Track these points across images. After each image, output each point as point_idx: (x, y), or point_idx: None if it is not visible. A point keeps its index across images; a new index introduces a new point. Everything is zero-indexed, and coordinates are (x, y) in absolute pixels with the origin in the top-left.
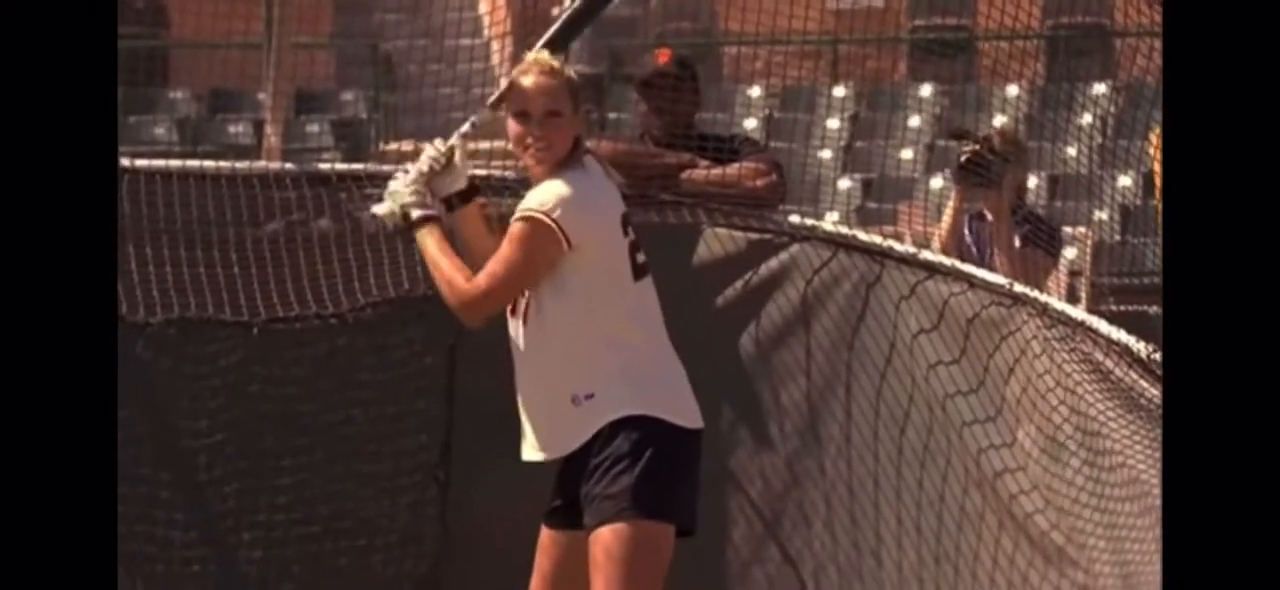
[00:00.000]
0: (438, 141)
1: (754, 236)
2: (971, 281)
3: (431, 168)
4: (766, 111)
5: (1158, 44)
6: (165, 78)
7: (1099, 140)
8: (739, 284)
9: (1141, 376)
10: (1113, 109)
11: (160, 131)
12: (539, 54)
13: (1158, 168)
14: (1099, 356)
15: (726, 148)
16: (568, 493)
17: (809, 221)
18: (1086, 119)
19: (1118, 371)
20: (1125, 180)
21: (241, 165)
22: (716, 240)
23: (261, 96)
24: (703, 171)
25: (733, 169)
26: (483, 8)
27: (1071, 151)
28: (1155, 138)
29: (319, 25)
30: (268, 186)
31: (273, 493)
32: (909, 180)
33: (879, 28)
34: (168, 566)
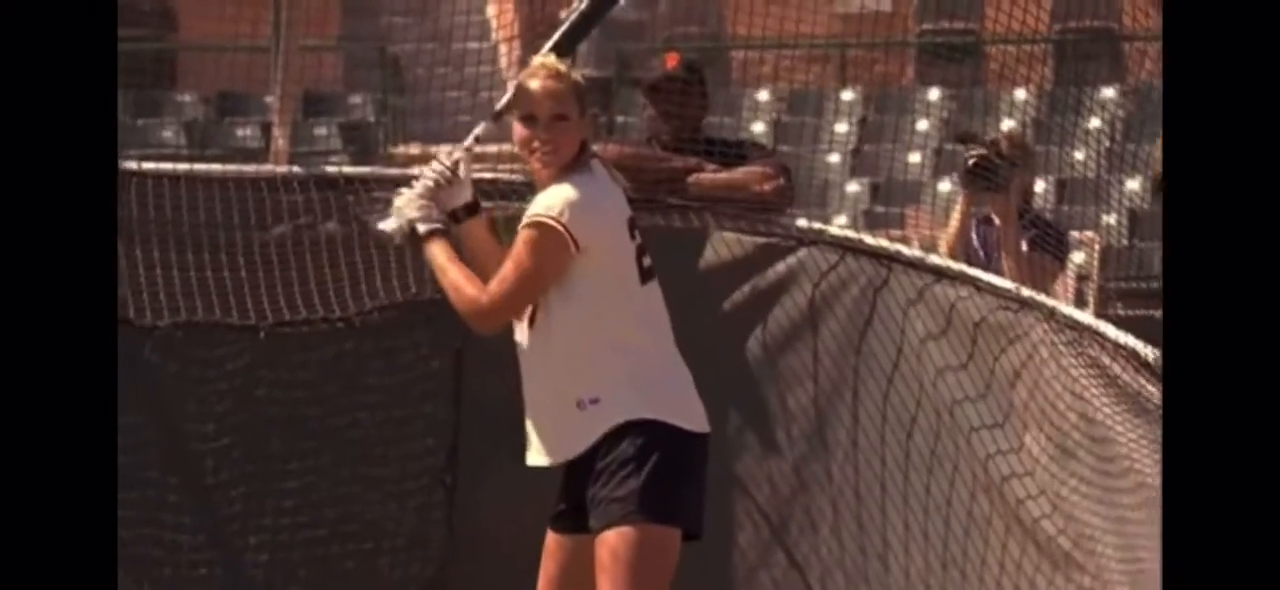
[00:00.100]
0: (442, 156)
1: (761, 240)
2: (979, 285)
3: (436, 182)
4: (774, 115)
5: None
6: (173, 81)
7: (1107, 144)
8: (746, 288)
9: (1149, 381)
10: (1120, 113)
11: (168, 134)
12: (546, 57)
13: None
14: (1106, 361)
15: (734, 152)
16: (573, 497)
17: (816, 225)
18: (1094, 123)
19: (1125, 375)
20: (1133, 184)
21: (248, 168)
22: (724, 244)
23: (269, 99)
24: (710, 175)
25: (740, 173)
26: (491, 11)
27: (1079, 155)
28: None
29: (327, 28)
30: (275, 190)
31: (279, 496)
32: (917, 184)
33: (887, 32)
34: (175, 569)
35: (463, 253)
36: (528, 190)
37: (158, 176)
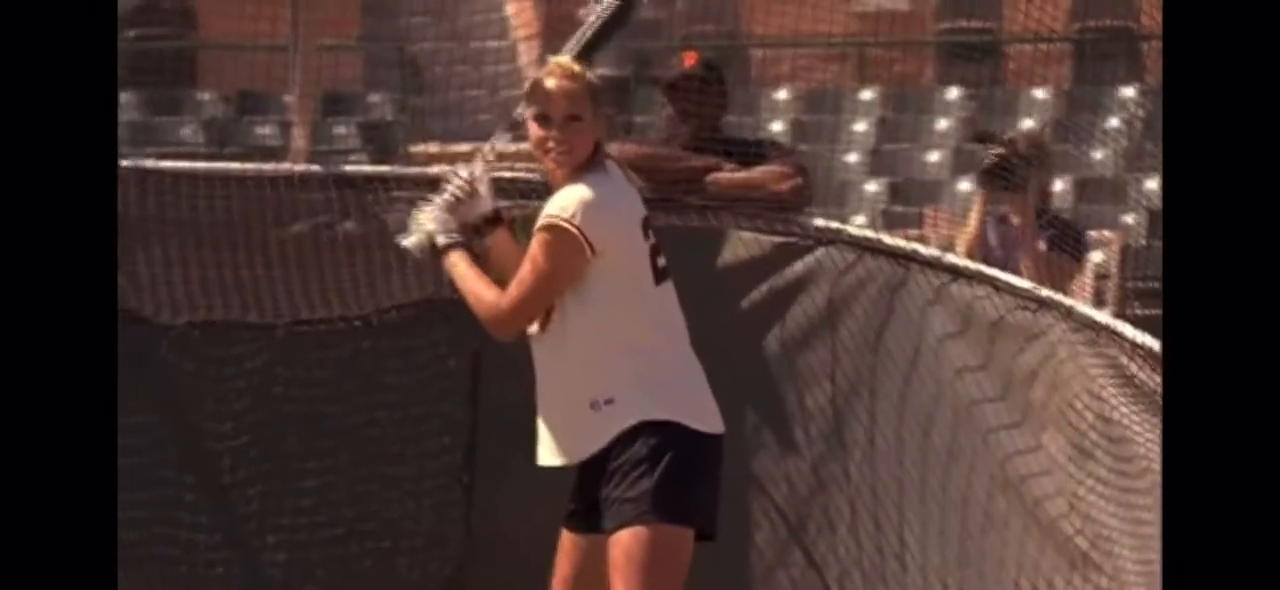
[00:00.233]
0: (461, 171)
1: (779, 240)
2: (997, 285)
3: (455, 196)
4: (793, 114)
5: None
6: (193, 79)
7: (1126, 143)
8: (764, 287)
9: None
10: (1140, 112)
11: (187, 133)
12: (560, 57)
13: None
14: (1124, 361)
15: (752, 151)
16: (587, 496)
17: (834, 225)
18: (1113, 122)
19: (1142, 375)
20: (1152, 183)
21: (267, 167)
22: (742, 243)
23: (288, 98)
24: (728, 175)
25: (758, 172)
26: (509, 9)
27: (1098, 155)
28: None
29: (346, 28)
30: (293, 188)
31: (297, 495)
32: (936, 184)
33: (906, 31)
34: (191, 568)
35: (484, 264)
36: (545, 190)
37: (176, 175)
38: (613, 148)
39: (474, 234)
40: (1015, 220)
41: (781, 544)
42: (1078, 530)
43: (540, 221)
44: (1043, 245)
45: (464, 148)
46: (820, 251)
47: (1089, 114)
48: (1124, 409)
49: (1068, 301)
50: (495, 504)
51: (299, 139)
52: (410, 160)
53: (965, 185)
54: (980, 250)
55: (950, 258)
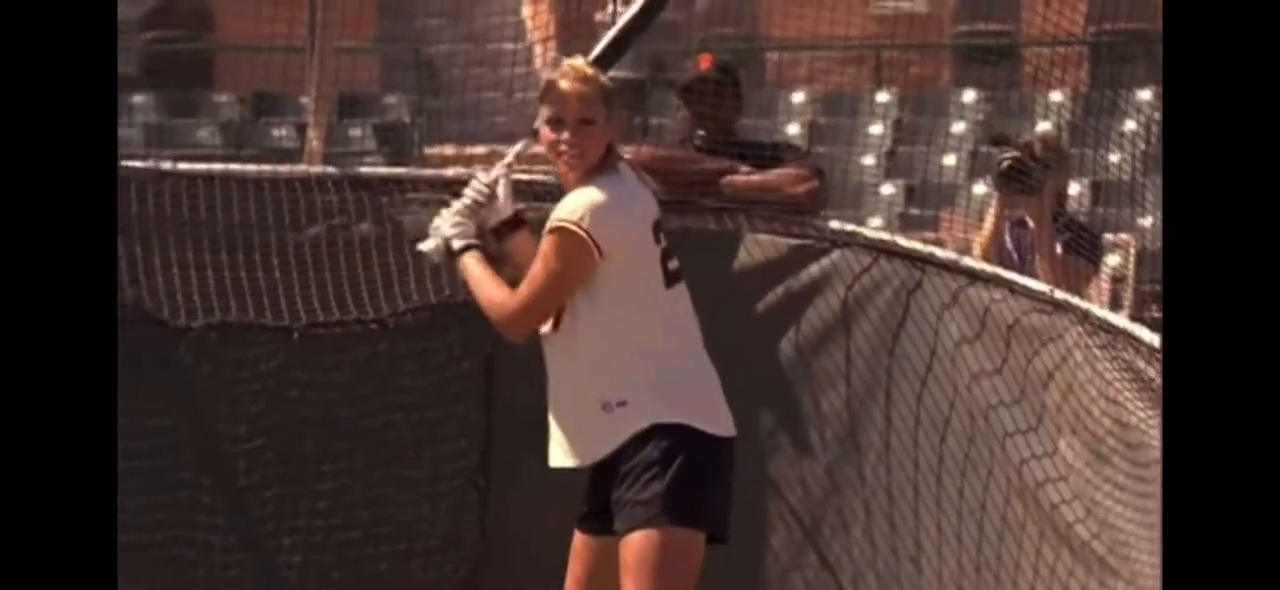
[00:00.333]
0: (481, 175)
1: (795, 242)
2: (1013, 288)
3: (475, 201)
4: (810, 117)
5: None
6: (210, 81)
7: (1143, 147)
8: (780, 290)
9: None
10: (1156, 115)
11: (204, 134)
12: (574, 59)
13: None
14: (1141, 364)
15: (767, 153)
16: (599, 498)
17: (850, 227)
18: (1130, 125)
19: (1160, 379)
20: None
21: (283, 169)
22: (757, 246)
23: (304, 100)
24: (743, 177)
25: (774, 175)
26: (525, 12)
27: (1115, 158)
28: None
29: (363, 30)
30: (309, 190)
31: (313, 497)
32: (952, 186)
33: (923, 33)
34: (207, 571)
35: (502, 268)
36: (561, 193)
37: (192, 176)
38: (628, 150)
39: (493, 238)
40: (1031, 223)
41: (796, 546)
42: (1094, 535)
43: (549, 224)
44: (1059, 248)
45: (480, 150)
46: (836, 254)
47: (1105, 117)
48: (1141, 413)
49: (1084, 305)
50: (510, 505)
51: (314, 140)
52: (425, 162)
53: (981, 188)
54: (996, 253)
55: (966, 261)
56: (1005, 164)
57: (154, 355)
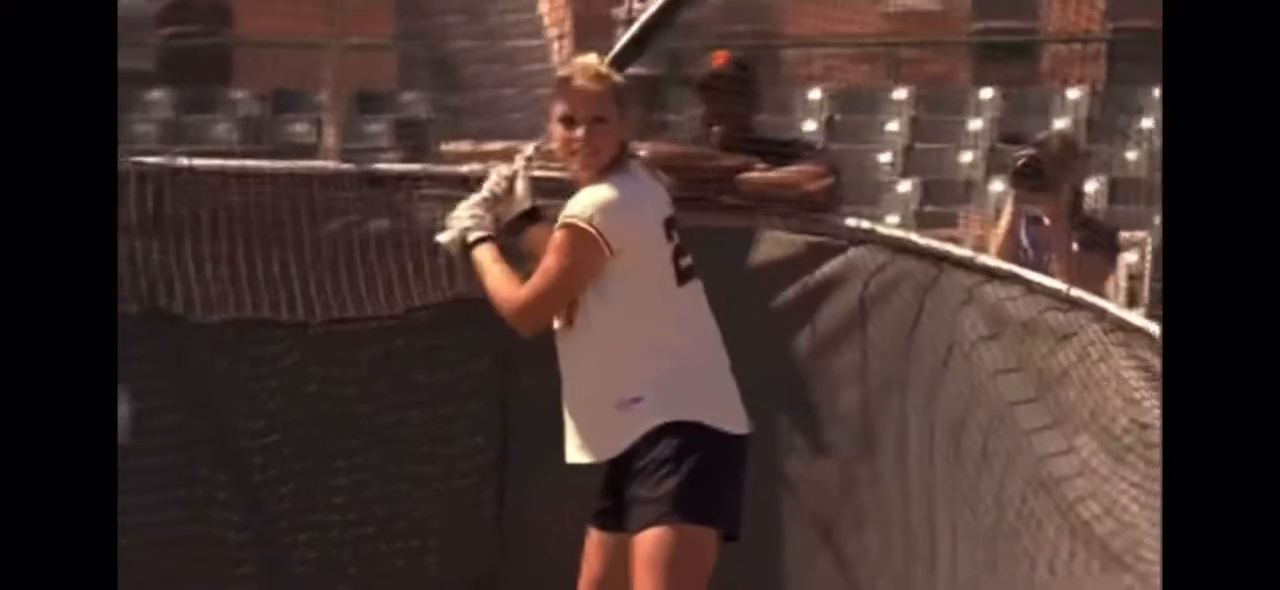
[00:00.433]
0: (501, 168)
1: (811, 239)
2: (1029, 286)
3: (492, 194)
4: (826, 114)
5: None
6: (227, 77)
7: (1159, 143)
8: (796, 287)
9: None
10: None
11: (221, 130)
12: (587, 57)
13: None
14: (1156, 361)
15: (784, 150)
16: (614, 495)
17: (866, 225)
18: (1146, 123)
19: None
20: None
21: (299, 165)
22: (773, 243)
23: (322, 97)
24: (759, 174)
25: (789, 172)
26: (542, 9)
27: (1131, 156)
28: None
29: (380, 27)
30: (326, 187)
31: (329, 493)
32: (968, 184)
33: (939, 31)
34: (223, 566)
35: (519, 263)
36: (575, 190)
37: (209, 172)
38: (644, 147)
39: (511, 231)
40: (1047, 221)
41: (812, 544)
42: (1112, 533)
43: (559, 220)
44: (1075, 246)
45: (496, 146)
46: (852, 251)
47: (1122, 114)
48: (1157, 411)
49: (1100, 302)
50: (525, 502)
51: (330, 137)
52: (441, 158)
53: (998, 185)
54: (1012, 251)
55: (982, 258)
56: (1021, 162)
57: (172, 351)
